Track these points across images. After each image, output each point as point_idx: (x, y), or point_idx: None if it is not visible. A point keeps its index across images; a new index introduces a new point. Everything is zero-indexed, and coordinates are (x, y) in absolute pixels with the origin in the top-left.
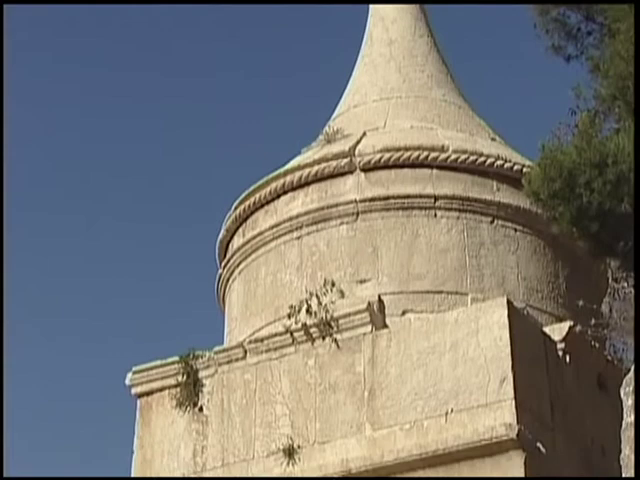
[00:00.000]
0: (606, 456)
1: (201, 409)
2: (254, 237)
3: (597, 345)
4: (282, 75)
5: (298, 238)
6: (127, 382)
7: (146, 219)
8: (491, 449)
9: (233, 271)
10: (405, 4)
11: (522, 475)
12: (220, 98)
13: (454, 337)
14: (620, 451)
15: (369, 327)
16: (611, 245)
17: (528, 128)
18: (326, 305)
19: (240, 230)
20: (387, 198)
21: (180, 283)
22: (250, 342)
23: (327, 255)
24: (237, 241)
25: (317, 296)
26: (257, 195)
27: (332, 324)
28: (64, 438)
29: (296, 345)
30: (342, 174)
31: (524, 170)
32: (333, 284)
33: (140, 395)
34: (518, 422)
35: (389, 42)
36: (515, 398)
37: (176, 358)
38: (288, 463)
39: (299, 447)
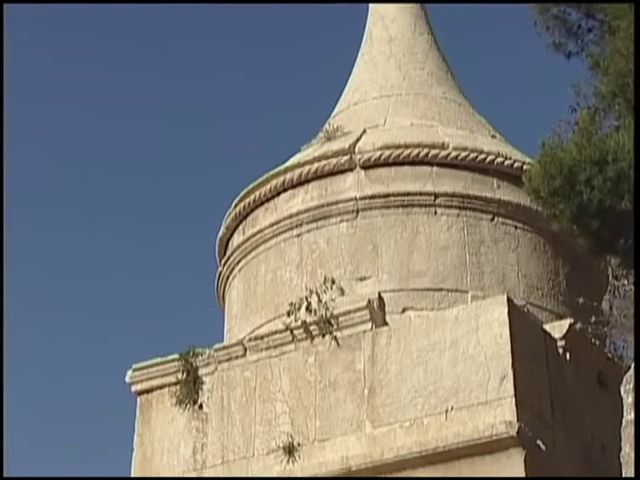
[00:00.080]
0: (606, 454)
1: (201, 407)
2: (254, 235)
3: (597, 343)
4: (282, 75)
5: (298, 236)
6: (127, 379)
7: (146, 219)
8: (491, 447)
9: (233, 269)
10: (405, 3)
11: (522, 472)
12: (220, 98)
13: (454, 335)
14: (620, 449)
15: (369, 325)
16: (611, 243)
17: (528, 125)
18: (326, 303)
19: (240, 228)
20: (387, 196)
21: (180, 281)
22: (250, 340)
23: (327, 253)
24: (237, 239)
25: (317, 294)
26: (257, 192)
27: (332, 322)
28: (64, 438)
29: (296, 343)
30: (342, 171)
31: (524, 167)
32: (333, 282)
33: (140, 393)
34: (518, 420)
35: (389, 40)
36: (515, 396)
37: (176, 356)
38: (288, 461)
39: (299, 445)
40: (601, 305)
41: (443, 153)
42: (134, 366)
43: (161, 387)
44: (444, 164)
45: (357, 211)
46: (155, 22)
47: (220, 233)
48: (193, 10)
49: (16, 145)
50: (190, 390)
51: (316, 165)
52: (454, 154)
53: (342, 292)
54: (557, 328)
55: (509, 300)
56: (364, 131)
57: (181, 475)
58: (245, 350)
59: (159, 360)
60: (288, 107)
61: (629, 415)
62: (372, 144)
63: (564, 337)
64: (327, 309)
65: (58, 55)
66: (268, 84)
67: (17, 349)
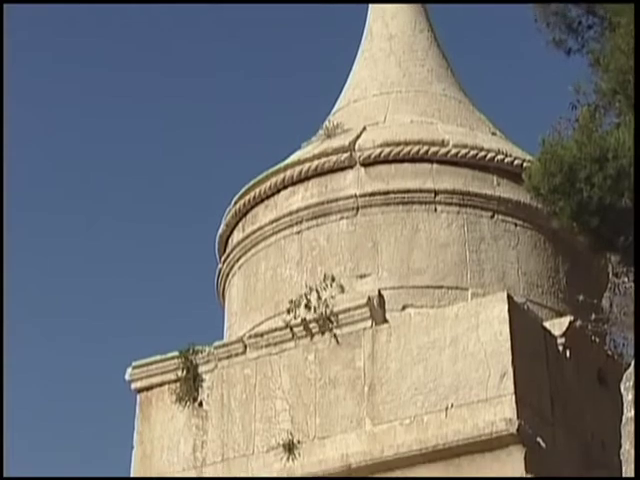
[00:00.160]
0: (606, 451)
1: (201, 404)
2: (254, 232)
3: (597, 340)
4: (282, 75)
5: (298, 233)
6: (127, 377)
7: (146, 219)
8: (491, 444)
9: (233, 266)
10: (405, 3)
11: (522, 470)
12: (220, 98)
13: (454, 332)
14: (620, 446)
15: (369, 322)
16: (611, 240)
17: (529, 123)
18: (326, 300)
19: (240, 225)
20: (387, 193)
21: (180, 279)
22: (250, 337)
23: (327, 250)
24: (237, 236)
25: (317, 291)
26: (257, 190)
27: (332, 319)
28: (64, 438)
29: (296, 340)
30: (342, 169)
31: (524, 165)
32: (333, 279)
33: (140, 390)
34: (518, 417)
35: (389, 37)
36: (515, 393)
37: (176, 353)
38: (288, 458)
39: (299, 442)
40: (601, 302)
41: (443, 150)
42: (134, 363)
43: (161, 384)
44: (444, 161)
45: (357, 208)
46: (155, 22)
47: (220, 230)
48: (193, 10)
49: (16, 145)
50: (190, 387)
51: (316, 162)
52: (454, 151)
53: (342, 289)
54: (557, 325)
55: (509, 297)
56: (364, 128)
57: (181, 472)
58: (245, 347)
59: (159, 357)
60: (288, 106)
61: (629, 412)
62: (372, 141)
63: (564, 334)
64: (327, 306)
65: (58, 55)
66: (268, 84)
67: (17, 349)
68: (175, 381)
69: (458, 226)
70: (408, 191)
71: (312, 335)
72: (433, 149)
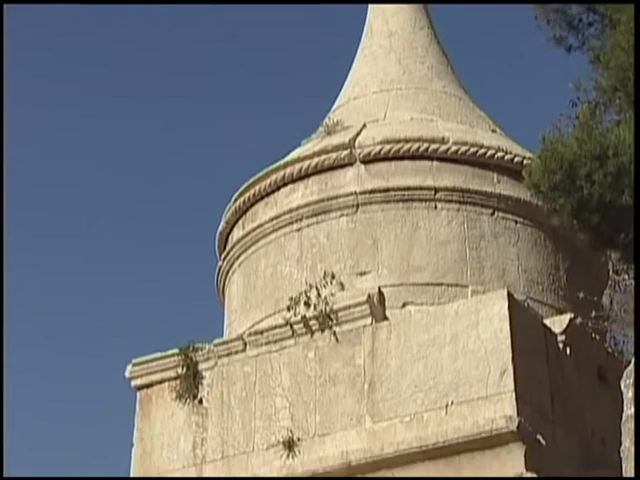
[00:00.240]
0: (606, 448)
1: (201, 401)
2: (254, 229)
3: (597, 337)
4: (282, 75)
5: (298, 230)
6: (127, 374)
7: (146, 219)
8: (491, 441)
9: (233, 263)
10: (405, 4)
11: (522, 467)
12: (220, 98)
13: (454, 329)
14: (620, 443)
15: (369, 319)
16: (612, 237)
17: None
18: (326, 297)
19: (240, 222)
20: (387, 190)
21: (179, 278)
22: (250, 334)
23: (327, 247)
24: (237, 233)
25: (317, 288)
26: (257, 187)
27: (332, 316)
28: (64, 438)
29: (296, 337)
30: (342, 166)
31: (525, 162)
32: (333, 276)
33: (140, 387)
34: (518, 414)
35: (389, 34)
36: (515, 390)
37: (176, 350)
38: (288, 455)
39: (299, 439)
40: (601, 300)
41: (443, 147)
42: (134, 361)
43: (161, 382)
44: (444, 158)
45: (357, 205)
46: (155, 22)
47: (220, 227)
48: (193, 10)
49: (16, 145)
50: (190, 385)
51: (316, 159)
52: (454, 148)
53: (342, 287)
54: (557, 323)
55: (509, 295)
56: (364, 125)
57: (181, 469)
58: (245, 345)
59: (159, 355)
60: (288, 105)
61: (629, 410)
62: (372, 138)
63: (564, 332)
64: (327, 304)
65: (58, 55)
66: (268, 84)
67: (17, 349)
68: (175, 378)
69: (458, 223)
70: (408, 188)
71: (312, 332)
72: (433, 146)
